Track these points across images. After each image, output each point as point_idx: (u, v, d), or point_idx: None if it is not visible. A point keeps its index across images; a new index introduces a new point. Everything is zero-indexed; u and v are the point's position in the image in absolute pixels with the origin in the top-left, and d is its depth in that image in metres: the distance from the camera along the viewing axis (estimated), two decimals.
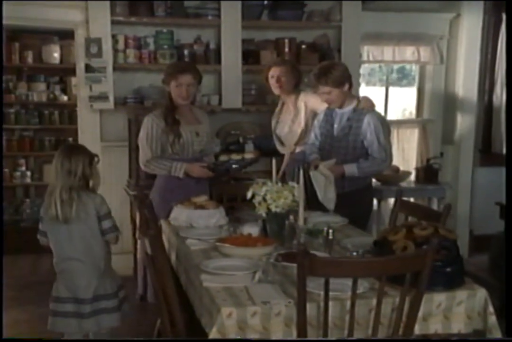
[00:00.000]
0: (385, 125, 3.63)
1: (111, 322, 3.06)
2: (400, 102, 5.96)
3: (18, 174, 6.19)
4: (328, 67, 3.59)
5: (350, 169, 3.59)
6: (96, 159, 3.09)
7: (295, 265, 2.31)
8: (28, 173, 6.24)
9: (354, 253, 2.49)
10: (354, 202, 3.60)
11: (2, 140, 5.97)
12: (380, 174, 4.64)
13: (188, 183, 3.70)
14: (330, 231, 2.76)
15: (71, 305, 3.00)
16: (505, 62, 5.14)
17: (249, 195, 2.99)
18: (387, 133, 3.64)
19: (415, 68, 5.77)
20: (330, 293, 2.08)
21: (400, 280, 2.14)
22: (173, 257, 3.02)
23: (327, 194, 3.54)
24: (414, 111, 5.82)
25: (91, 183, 3.07)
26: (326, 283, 2.05)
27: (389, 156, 3.63)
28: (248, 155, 3.83)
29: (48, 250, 3.13)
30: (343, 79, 3.56)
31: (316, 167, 3.54)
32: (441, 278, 2.25)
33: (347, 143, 3.65)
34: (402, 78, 5.94)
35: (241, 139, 4.72)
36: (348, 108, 3.67)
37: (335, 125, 3.72)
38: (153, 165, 3.68)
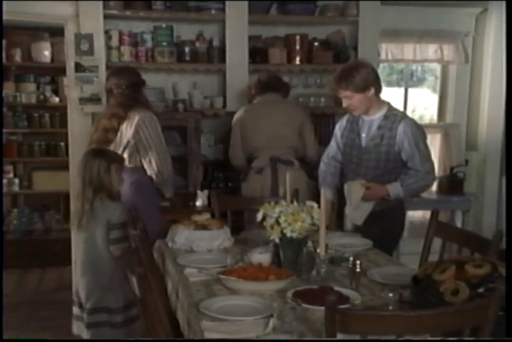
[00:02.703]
0: (422, 133, 3.20)
1: (115, 337, 2.96)
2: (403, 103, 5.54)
3: (5, 181, 5.79)
4: (350, 69, 3.15)
5: (395, 189, 3.15)
6: (115, 165, 3.02)
7: (319, 308, 1.97)
8: (16, 181, 5.85)
9: (391, 294, 2.04)
10: (385, 222, 3.20)
11: (2, 143, 5.61)
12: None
13: None
14: (358, 262, 2.32)
15: (78, 309, 3.03)
16: None
17: (259, 217, 2.55)
18: (426, 141, 3.21)
19: (420, 69, 5.49)
20: None
21: (452, 331, 1.70)
22: (169, 287, 2.59)
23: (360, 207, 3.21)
24: (421, 112, 5.52)
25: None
26: None
27: (433, 167, 3.20)
28: None
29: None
30: (367, 83, 3.11)
31: None
32: (504, 330, 1.79)
33: (378, 155, 3.20)
34: (405, 78, 5.48)
35: None
36: (378, 114, 3.22)
37: (363, 135, 3.27)
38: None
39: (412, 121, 3.24)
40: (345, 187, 3.26)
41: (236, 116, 4.13)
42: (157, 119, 3.61)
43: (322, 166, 3.52)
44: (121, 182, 3.13)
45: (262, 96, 4.08)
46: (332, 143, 3.47)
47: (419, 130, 3.17)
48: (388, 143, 3.17)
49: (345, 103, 3.22)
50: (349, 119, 3.37)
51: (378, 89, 3.18)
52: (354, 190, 3.19)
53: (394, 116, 3.19)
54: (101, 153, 3.11)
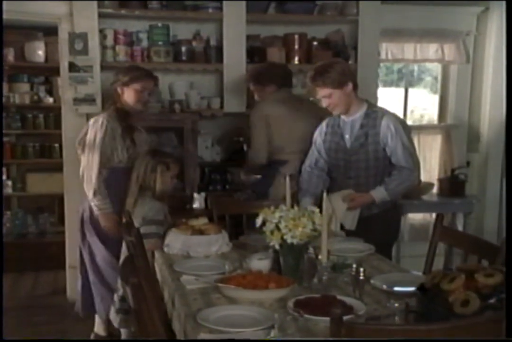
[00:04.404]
0: (405, 128, 3.16)
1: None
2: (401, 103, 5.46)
3: None
4: (324, 66, 3.12)
5: (380, 194, 3.11)
6: (161, 167, 3.08)
7: (322, 318, 1.90)
8: (9, 183, 5.77)
9: (396, 304, 1.96)
10: (381, 225, 3.15)
11: (2, 144, 5.50)
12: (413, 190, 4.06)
13: None
14: (361, 269, 2.23)
15: (115, 295, 3.11)
16: None
17: (258, 222, 2.47)
18: (410, 136, 3.16)
19: (417, 69, 5.42)
20: None
21: None
22: (165, 296, 2.51)
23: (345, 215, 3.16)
24: (418, 112, 5.46)
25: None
26: None
27: (417, 163, 3.15)
28: None
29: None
30: (345, 78, 3.06)
31: None
32: None
33: (366, 154, 3.15)
34: (403, 78, 5.42)
35: (245, 147, 4.27)
36: (359, 113, 3.17)
37: (346, 136, 3.21)
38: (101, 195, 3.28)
39: (394, 116, 3.21)
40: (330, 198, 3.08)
41: (257, 114, 3.67)
42: (112, 123, 3.37)
43: (304, 175, 3.40)
44: (168, 184, 3.14)
45: (277, 92, 3.70)
46: (312, 151, 3.38)
47: (401, 125, 3.13)
48: (373, 141, 3.12)
49: (324, 103, 3.15)
50: (328, 123, 3.30)
51: (355, 86, 3.12)
52: (336, 206, 3.12)
53: (375, 113, 3.14)
54: (152, 153, 3.20)
